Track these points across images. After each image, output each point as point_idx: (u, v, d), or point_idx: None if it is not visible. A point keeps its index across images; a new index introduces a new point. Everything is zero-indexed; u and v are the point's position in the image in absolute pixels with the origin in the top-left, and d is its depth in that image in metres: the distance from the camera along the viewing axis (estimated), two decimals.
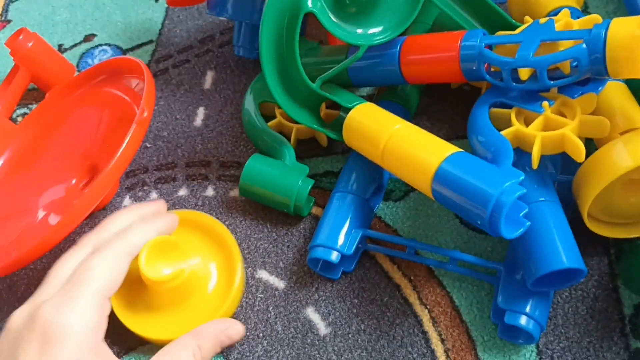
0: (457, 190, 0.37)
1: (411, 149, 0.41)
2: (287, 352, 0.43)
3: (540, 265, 0.38)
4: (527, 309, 0.39)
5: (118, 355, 0.44)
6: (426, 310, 0.44)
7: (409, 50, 0.46)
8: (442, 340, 0.42)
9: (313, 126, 0.49)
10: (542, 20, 0.42)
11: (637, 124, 0.42)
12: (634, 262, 0.43)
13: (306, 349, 0.43)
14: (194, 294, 0.44)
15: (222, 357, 0.43)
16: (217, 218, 0.50)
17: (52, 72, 0.59)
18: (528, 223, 0.36)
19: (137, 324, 0.43)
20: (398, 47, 0.47)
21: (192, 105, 0.59)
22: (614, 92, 0.44)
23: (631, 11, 0.58)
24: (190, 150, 0.55)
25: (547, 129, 0.41)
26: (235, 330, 0.42)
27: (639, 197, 0.41)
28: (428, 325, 0.43)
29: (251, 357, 0.43)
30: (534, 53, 0.40)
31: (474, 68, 0.43)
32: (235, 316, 0.45)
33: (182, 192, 0.52)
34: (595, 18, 0.41)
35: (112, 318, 0.45)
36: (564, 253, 0.38)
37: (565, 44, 0.40)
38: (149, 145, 0.56)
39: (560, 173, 0.44)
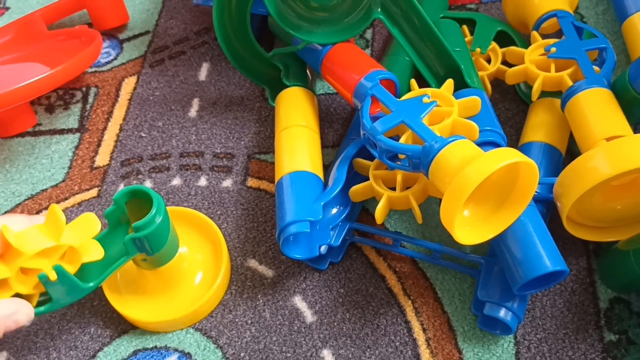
0: (279, 201, 0.45)
1: (285, 148, 0.48)
2: (275, 338, 0.44)
3: (525, 272, 0.39)
4: (507, 302, 0.41)
5: (111, 338, 0.45)
6: (409, 301, 0.45)
7: (331, 58, 0.50)
8: (424, 330, 0.44)
9: (259, 83, 0.57)
10: (427, 100, 0.43)
11: (619, 132, 0.43)
12: (611, 259, 0.45)
13: (293, 336, 0.44)
14: (181, 281, 0.46)
15: (211, 342, 0.45)
16: (209, 208, 0.51)
17: (106, 11, 0.66)
18: (317, 254, 0.43)
19: (128, 308, 0.45)
20: (324, 52, 0.51)
21: (187, 96, 0.60)
22: (600, 99, 0.45)
23: (619, 11, 0.59)
24: (184, 140, 0.56)
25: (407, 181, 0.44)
26: (24, 314, 0.39)
27: (617, 203, 0.42)
28: (411, 315, 0.45)
29: (239, 343, 0.44)
30: (392, 127, 0.42)
31: (358, 108, 0.47)
32: (224, 303, 0.46)
33: (176, 181, 0.54)
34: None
35: (104, 302, 0.46)
36: (547, 257, 0.39)
37: (411, 136, 0.42)
38: (143, 135, 0.57)
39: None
